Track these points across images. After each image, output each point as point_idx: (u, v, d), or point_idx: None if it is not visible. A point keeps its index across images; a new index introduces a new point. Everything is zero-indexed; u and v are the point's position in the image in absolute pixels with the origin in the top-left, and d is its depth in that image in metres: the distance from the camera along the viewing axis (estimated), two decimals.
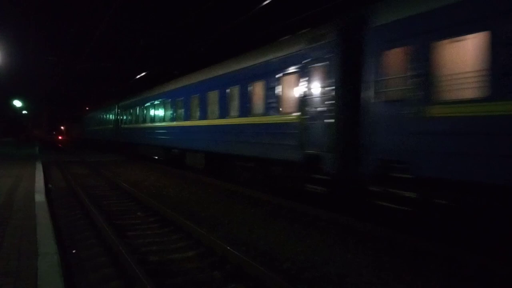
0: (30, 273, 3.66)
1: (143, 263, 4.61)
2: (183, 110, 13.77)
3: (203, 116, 12.05)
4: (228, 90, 10.52)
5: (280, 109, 8.29)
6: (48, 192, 8.75)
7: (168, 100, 15.37)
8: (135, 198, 9.01)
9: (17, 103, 39.11)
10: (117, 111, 23.99)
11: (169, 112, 15.17)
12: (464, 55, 4.93)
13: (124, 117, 22.37)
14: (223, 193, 10.11)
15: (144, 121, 18.36)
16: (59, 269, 3.78)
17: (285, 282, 3.87)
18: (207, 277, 4.35)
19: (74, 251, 5.07)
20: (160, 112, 16.27)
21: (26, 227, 5.31)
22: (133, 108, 20.44)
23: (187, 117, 13.37)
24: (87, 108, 41.97)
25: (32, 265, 3.86)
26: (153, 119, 17.12)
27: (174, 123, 14.55)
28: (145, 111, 18.36)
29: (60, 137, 55.44)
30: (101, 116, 29.55)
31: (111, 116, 25.78)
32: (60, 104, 57.60)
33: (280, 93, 8.31)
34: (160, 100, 16.42)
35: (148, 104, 18.00)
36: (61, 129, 62.95)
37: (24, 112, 50.04)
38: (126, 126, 22.00)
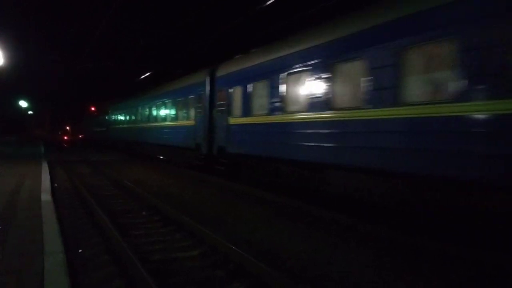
0: (36, 271, 3.72)
1: (146, 261, 4.67)
2: None
3: None
4: None
5: None
6: (53, 191, 8.81)
7: None
8: (139, 197, 9.07)
9: (23, 103, 39.03)
10: (207, 94, 12.76)
11: None
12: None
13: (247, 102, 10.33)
14: (227, 192, 10.17)
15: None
16: (65, 268, 3.84)
17: (287, 280, 3.93)
18: (210, 276, 4.40)
19: (80, 251, 5.13)
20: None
21: (32, 226, 5.38)
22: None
23: None
24: (96, 105, 38.48)
25: (38, 263, 3.93)
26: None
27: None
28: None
29: (65, 137, 52.87)
30: (150, 108, 19.56)
31: (181, 105, 15.29)
32: (61, 103, 57.61)
33: None
34: None
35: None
36: (67, 129, 60.80)
37: (30, 112, 50.05)
38: (248, 121, 10.30)
